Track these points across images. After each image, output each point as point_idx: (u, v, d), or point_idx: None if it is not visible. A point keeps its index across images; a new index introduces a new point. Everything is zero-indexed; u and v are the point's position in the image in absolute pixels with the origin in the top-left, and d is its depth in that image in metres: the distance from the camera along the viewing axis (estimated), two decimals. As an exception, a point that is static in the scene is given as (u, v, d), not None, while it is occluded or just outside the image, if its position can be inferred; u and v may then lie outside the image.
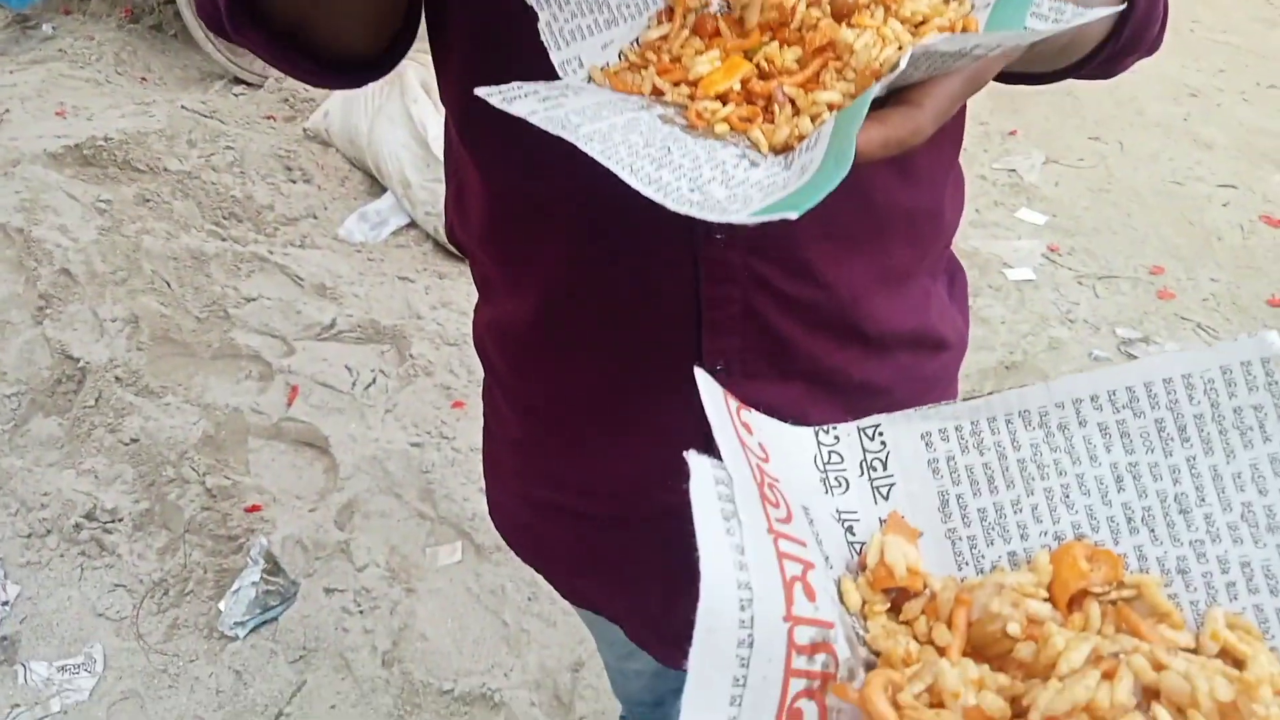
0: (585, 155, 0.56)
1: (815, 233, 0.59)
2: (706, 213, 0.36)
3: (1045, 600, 0.41)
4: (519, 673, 1.66)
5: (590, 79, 0.46)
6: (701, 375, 0.41)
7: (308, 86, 3.44)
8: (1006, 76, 0.65)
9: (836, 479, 0.45)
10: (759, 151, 0.42)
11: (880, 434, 0.46)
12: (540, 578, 0.83)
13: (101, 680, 1.66)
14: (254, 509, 1.89)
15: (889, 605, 0.43)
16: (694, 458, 0.38)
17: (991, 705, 0.37)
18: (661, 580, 0.77)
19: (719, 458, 0.39)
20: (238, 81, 3.43)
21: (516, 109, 0.40)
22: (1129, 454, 0.43)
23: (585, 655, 1.69)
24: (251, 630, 1.73)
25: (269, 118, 3.24)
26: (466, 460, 1.97)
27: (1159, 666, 0.37)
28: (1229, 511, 0.42)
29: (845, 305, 0.63)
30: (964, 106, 0.66)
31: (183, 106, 3.06)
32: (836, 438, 0.46)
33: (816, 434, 0.46)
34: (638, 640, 0.85)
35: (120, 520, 1.88)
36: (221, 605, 1.76)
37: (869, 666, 0.40)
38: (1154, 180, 2.79)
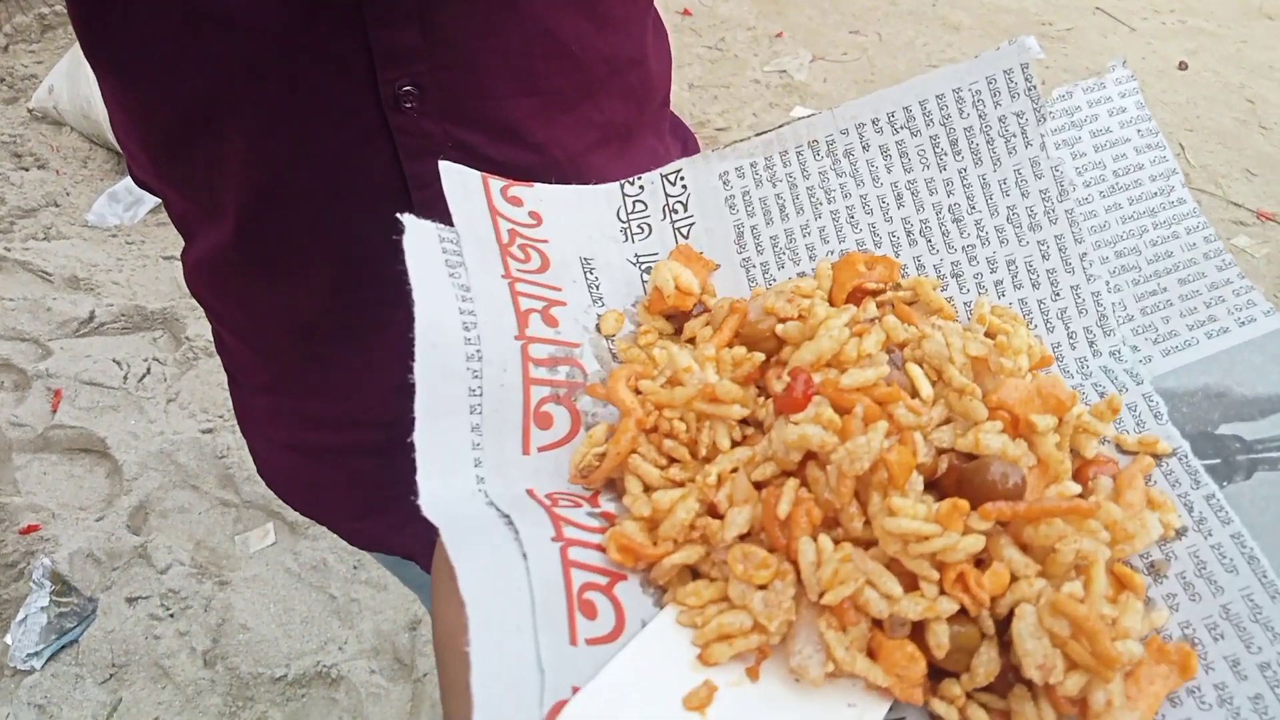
0: (252, 46, 0.50)
1: (515, 89, 0.56)
2: None
3: (823, 300, 0.42)
4: (354, 643, 1.60)
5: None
6: (446, 165, 0.41)
7: (25, 63, 3.07)
8: None
9: (639, 226, 0.47)
10: None
11: (682, 178, 0.48)
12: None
13: (-122, 752, 1.49)
14: (31, 529, 1.71)
15: (674, 330, 0.45)
16: (410, 219, 0.39)
17: (726, 388, 0.38)
18: None
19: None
20: (-60, 64, 3.02)
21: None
22: (908, 172, 0.46)
23: (421, 612, 1.64)
24: (49, 659, 1.58)
25: (-15, 102, 2.88)
26: (266, 438, 1.86)
27: (921, 336, 0.39)
28: (996, 216, 0.44)
29: (563, 166, 0.60)
30: None
31: (-128, 98, 2.67)
32: (641, 187, 0.48)
33: (622, 186, 0.48)
34: None
35: None
36: (8, 639, 1.59)
37: None
38: (911, 66, 2.93)
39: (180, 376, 1.97)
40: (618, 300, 0.45)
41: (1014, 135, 0.44)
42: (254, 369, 0.72)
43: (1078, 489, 0.36)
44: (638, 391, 0.40)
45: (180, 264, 2.20)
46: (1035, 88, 0.44)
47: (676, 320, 0.45)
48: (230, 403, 1.93)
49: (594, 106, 0.60)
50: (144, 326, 2.07)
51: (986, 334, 0.41)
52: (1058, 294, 0.43)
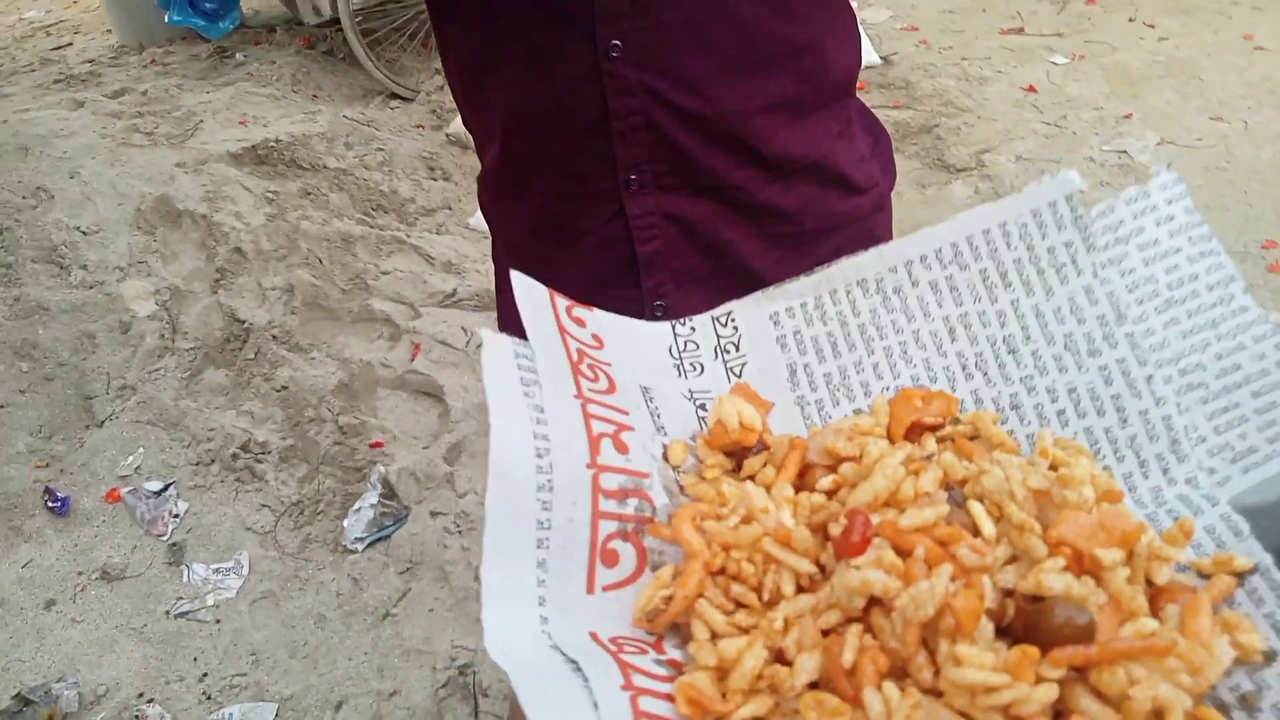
0: (517, 8, 0.70)
1: (697, 51, 0.70)
2: None
3: (882, 438, 0.42)
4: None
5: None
6: (518, 276, 0.44)
7: (452, 100, 3.79)
8: None
9: (691, 364, 0.48)
10: None
11: (732, 319, 0.49)
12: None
13: (246, 581, 1.95)
14: (377, 445, 2.15)
15: (734, 466, 0.44)
16: (489, 334, 0.40)
17: (802, 535, 0.37)
18: None
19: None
20: (394, 97, 3.82)
21: None
22: (959, 306, 0.45)
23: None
24: (368, 545, 1.98)
25: (418, 126, 3.60)
26: (561, 409, 2.16)
27: (980, 472, 0.38)
28: (1053, 344, 0.43)
29: (732, 121, 0.73)
30: None
31: (344, 116, 3.46)
32: (693, 328, 0.49)
33: (673, 326, 0.49)
34: None
35: (269, 452, 2.18)
36: (345, 524, 2.01)
37: None
38: (1278, 159, 2.69)
39: (507, 349, 2.35)
40: (677, 431, 0.44)
41: (1064, 264, 0.44)
42: (505, 264, 0.93)
43: (1155, 625, 0.33)
44: (702, 531, 0.38)
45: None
46: (1081, 217, 0.44)
47: (736, 456, 0.44)
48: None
49: (768, 79, 0.73)
50: (490, 307, 2.51)
51: (1050, 467, 0.39)
52: (1125, 421, 0.41)
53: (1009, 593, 0.33)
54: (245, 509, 2.09)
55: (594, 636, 0.35)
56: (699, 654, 0.35)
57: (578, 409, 0.39)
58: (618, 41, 0.70)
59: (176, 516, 2.10)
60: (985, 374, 0.44)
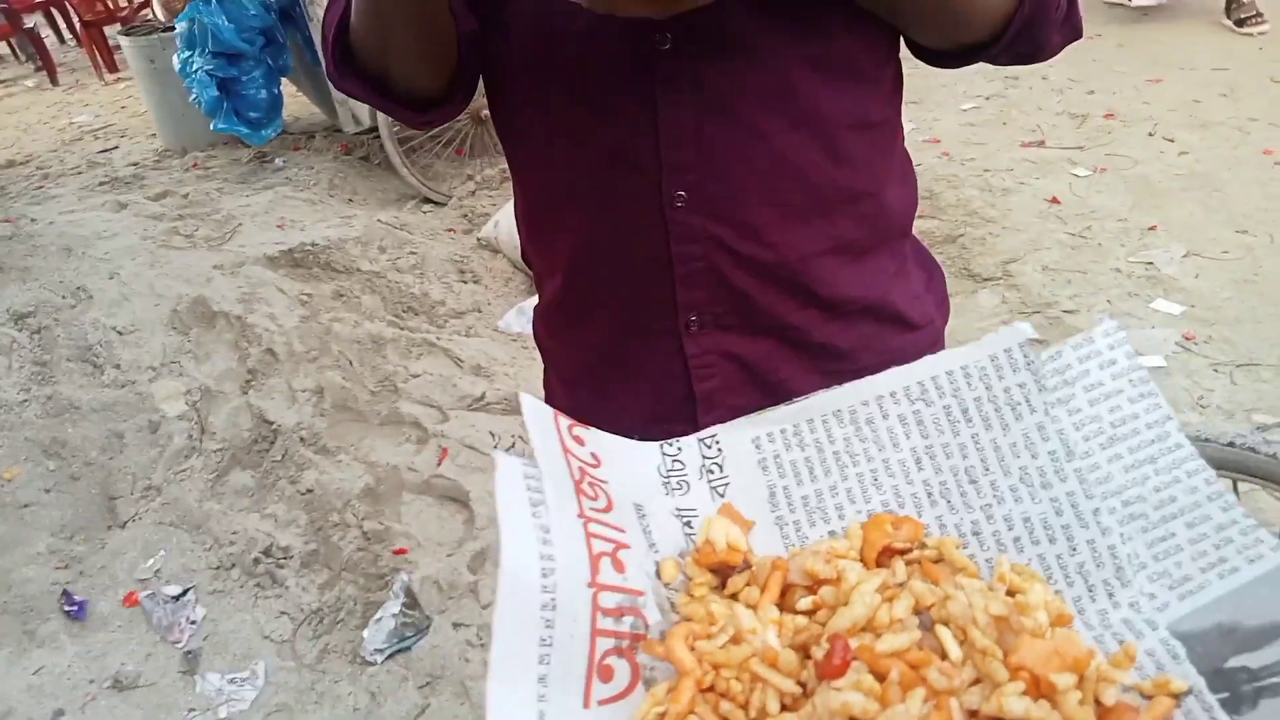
0: (587, 155, 0.72)
1: (760, 200, 0.72)
2: None
3: (856, 561, 0.46)
4: (620, 711, 1.76)
5: None
6: (526, 398, 0.47)
7: (484, 204, 3.88)
8: (911, 46, 0.73)
9: (678, 483, 0.51)
10: None
11: (717, 442, 0.52)
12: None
13: (261, 693, 1.90)
14: (400, 551, 2.12)
15: (719, 583, 0.48)
16: (501, 456, 0.43)
17: (789, 658, 0.40)
18: None
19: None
20: (426, 201, 3.92)
21: None
22: (925, 438, 0.49)
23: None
24: (388, 657, 1.93)
25: (449, 230, 3.67)
26: (588, 518, 2.13)
27: (945, 597, 0.42)
28: (1009, 476, 0.47)
29: (793, 266, 0.74)
30: (901, 93, 0.78)
31: (379, 220, 3.54)
32: (679, 449, 0.53)
33: (661, 447, 0.53)
34: None
35: (291, 557, 2.16)
36: (365, 634, 1.97)
37: None
38: (1308, 272, 2.69)
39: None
40: (667, 547, 0.48)
41: (1019, 403, 0.48)
42: (559, 397, 0.95)
43: None
44: (694, 650, 0.41)
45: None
46: (1033, 363, 0.48)
47: (721, 573, 0.47)
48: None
49: (827, 223, 0.75)
50: (518, 411, 2.49)
51: (1007, 592, 0.43)
52: (1074, 549, 0.45)
53: (973, 713, 0.37)
54: (264, 616, 2.05)
55: None
56: None
57: (580, 528, 0.42)
58: (683, 192, 0.72)
59: (194, 623, 2.06)
60: (949, 501, 0.48)
